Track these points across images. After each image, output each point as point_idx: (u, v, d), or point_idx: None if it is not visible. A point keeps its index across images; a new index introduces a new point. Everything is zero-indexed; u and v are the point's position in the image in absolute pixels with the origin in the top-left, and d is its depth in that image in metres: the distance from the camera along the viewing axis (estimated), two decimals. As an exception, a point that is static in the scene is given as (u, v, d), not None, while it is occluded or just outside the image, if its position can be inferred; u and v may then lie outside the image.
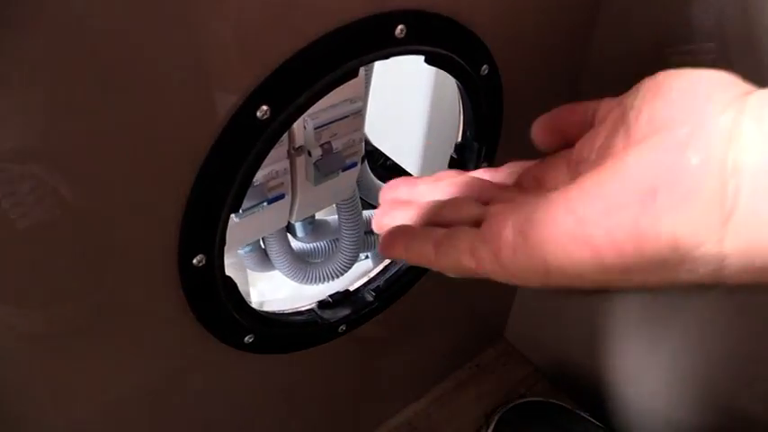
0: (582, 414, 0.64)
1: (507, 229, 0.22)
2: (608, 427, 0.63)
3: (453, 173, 0.31)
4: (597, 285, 0.21)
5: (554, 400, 0.65)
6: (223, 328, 0.39)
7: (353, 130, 0.48)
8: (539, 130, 0.28)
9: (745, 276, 0.18)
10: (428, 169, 0.69)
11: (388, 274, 0.49)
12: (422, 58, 0.38)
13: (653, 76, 0.22)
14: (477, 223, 0.25)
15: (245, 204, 0.45)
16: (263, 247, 0.62)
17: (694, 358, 0.56)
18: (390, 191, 0.30)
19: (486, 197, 0.28)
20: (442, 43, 0.37)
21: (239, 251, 0.60)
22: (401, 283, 0.50)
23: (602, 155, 0.23)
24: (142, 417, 0.42)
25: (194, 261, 0.34)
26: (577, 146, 0.26)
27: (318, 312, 0.47)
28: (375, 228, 0.29)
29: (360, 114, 0.47)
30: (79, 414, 0.37)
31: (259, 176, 0.45)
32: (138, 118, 0.28)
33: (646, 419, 0.64)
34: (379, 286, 0.49)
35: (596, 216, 0.19)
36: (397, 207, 0.29)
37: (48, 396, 0.35)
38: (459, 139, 0.47)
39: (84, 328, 0.34)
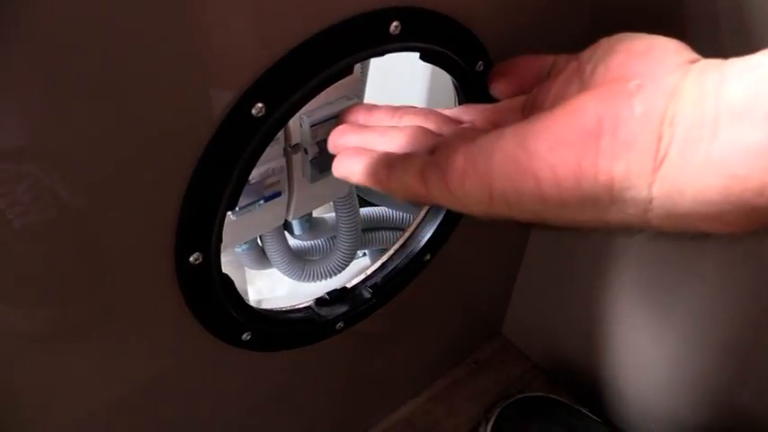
0: (581, 409, 0.64)
1: (458, 156, 0.23)
2: (606, 423, 0.64)
3: (412, 107, 0.32)
4: (533, 217, 0.22)
5: (553, 396, 0.65)
6: (220, 326, 0.39)
7: (350, 127, 0.48)
8: (497, 77, 0.29)
9: (668, 222, 0.20)
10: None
11: (385, 271, 0.50)
12: (415, 56, 0.38)
13: (611, 36, 0.24)
14: (430, 152, 0.26)
15: (242, 202, 0.45)
16: (260, 245, 0.62)
17: (693, 353, 0.57)
18: (348, 114, 0.31)
19: (441, 130, 0.29)
20: (437, 40, 0.37)
21: (236, 249, 0.60)
22: (399, 280, 0.50)
23: (556, 100, 0.24)
24: (140, 415, 0.42)
25: (191, 259, 0.34)
26: (533, 92, 0.27)
27: (316, 310, 0.47)
28: (330, 147, 0.30)
29: (356, 112, 0.47)
30: (77, 414, 0.37)
31: (255, 175, 0.45)
32: (133, 116, 0.28)
33: (644, 414, 0.64)
34: (376, 283, 0.49)
35: (543, 151, 0.21)
36: (353, 130, 0.30)
37: (45, 396, 0.35)
38: (456, 136, 0.47)
39: (82, 328, 0.34)
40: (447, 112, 0.31)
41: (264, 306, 0.44)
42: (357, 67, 0.44)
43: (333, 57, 0.33)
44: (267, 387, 0.49)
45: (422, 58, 0.38)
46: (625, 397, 0.65)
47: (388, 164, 0.26)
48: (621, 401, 0.65)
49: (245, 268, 0.68)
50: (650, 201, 0.20)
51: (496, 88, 0.29)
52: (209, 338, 0.40)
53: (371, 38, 0.34)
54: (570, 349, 0.69)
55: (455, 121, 0.30)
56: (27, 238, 0.28)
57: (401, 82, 0.65)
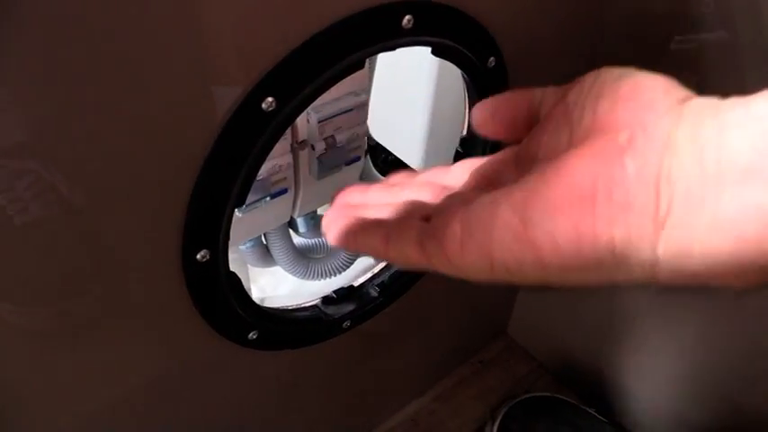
0: (587, 410, 0.63)
1: (455, 225, 0.22)
2: (612, 423, 0.63)
3: (404, 174, 0.31)
4: (538, 282, 0.22)
5: (560, 396, 0.64)
6: (227, 325, 0.39)
7: (357, 123, 0.47)
8: (482, 115, 0.28)
9: (678, 279, 0.19)
10: (431, 164, 0.68)
11: (392, 270, 0.49)
12: (424, 52, 0.37)
13: (597, 73, 0.23)
14: (426, 219, 0.25)
15: (249, 199, 0.44)
16: (264, 242, 0.61)
17: (701, 353, 0.56)
18: (343, 196, 0.30)
19: (436, 199, 0.28)
20: (449, 34, 0.37)
21: (241, 247, 0.59)
22: (406, 279, 0.49)
23: (547, 154, 0.23)
24: (145, 412, 0.41)
25: (198, 256, 0.34)
26: (525, 142, 0.26)
27: (323, 308, 0.46)
28: (323, 228, 0.29)
29: (364, 107, 0.47)
30: (83, 410, 0.37)
31: (262, 171, 0.44)
32: (140, 111, 0.28)
33: (650, 414, 0.64)
34: (383, 282, 0.48)
35: (538, 218, 0.20)
36: (347, 210, 0.29)
37: (49, 395, 0.35)
38: (465, 133, 0.46)
39: (86, 325, 0.33)
40: (443, 172, 0.30)
41: (268, 304, 0.43)
42: (366, 62, 0.44)
43: (344, 50, 0.32)
44: (272, 386, 0.49)
45: (433, 52, 0.37)
46: (631, 396, 0.64)
47: (385, 234, 0.25)
48: (628, 401, 0.64)
49: (249, 266, 0.67)
50: (656, 261, 0.19)
51: (483, 128, 0.27)
52: (215, 337, 0.39)
53: (384, 31, 0.33)
54: (576, 349, 0.68)
55: (450, 188, 0.29)
56: (28, 236, 0.28)
57: (408, 79, 0.64)
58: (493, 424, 0.62)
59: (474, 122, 0.28)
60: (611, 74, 0.22)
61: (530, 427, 0.61)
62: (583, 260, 0.20)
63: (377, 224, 0.26)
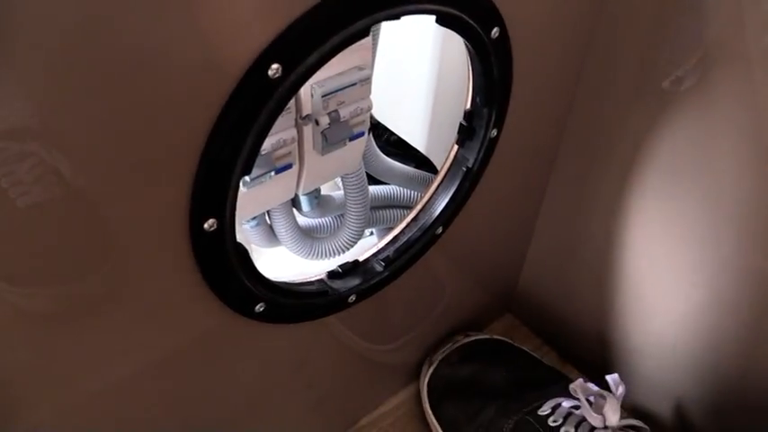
0: (531, 353, 0.65)
1: None
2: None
3: None
4: None
5: (498, 337, 0.66)
6: (234, 296, 0.39)
7: (361, 98, 0.47)
8: None
9: None
10: (434, 143, 0.68)
11: (397, 244, 0.49)
12: (426, 30, 0.37)
13: None
14: None
15: (253, 173, 0.44)
16: (268, 222, 0.62)
17: (708, 331, 0.56)
18: None
19: None
20: (454, 3, 0.37)
21: (245, 225, 0.59)
22: (411, 254, 0.49)
23: None
24: (153, 388, 0.41)
25: (206, 226, 0.34)
26: None
27: (328, 282, 0.46)
28: None
29: (368, 82, 0.47)
30: (91, 388, 0.37)
31: (266, 145, 0.44)
32: (146, 80, 0.28)
33: (654, 392, 0.64)
34: (388, 256, 0.48)
35: None
36: None
37: (56, 374, 0.35)
38: (469, 106, 0.46)
39: (94, 302, 0.33)
40: None
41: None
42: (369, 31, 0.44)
43: (350, 17, 0.32)
44: (279, 359, 0.49)
45: (438, 21, 0.37)
46: (637, 373, 0.64)
47: None
48: (633, 377, 0.65)
49: (252, 247, 0.67)
50: None
51: None
52: (222, 309, 0.39)
53: (389, -2, 0.33)
54: (580, 326, 0.68)
55: None
56: (34, 217, 0.28)
57: (410, 58, 0.64)
58: (429, 367, 0.63)
59: None
60: None
61: (459, 369, 0.62)
62: None
63: None
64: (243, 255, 0.37)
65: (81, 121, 0.27)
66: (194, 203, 0.33)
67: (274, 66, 0.31)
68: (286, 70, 0.31)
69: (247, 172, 0.34)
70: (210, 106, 0.31)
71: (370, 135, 0.62)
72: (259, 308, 0.41)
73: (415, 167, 0.70)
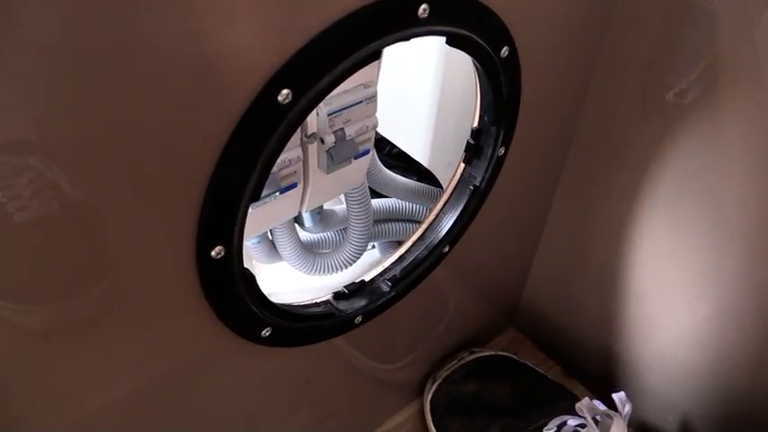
0: (534, 368, 0.64)
1: None
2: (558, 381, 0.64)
3: None
4: None
5: (503, 353, 0.65)
6: (241, 322, 0.38)
7: (367, 116, 0.47)
8: None
9: None
10: (436, 156, 0.68)
11: (404, 263, 0.48)
12: (431, 42, 0.36)
13: None
14: None
15: (258, 194, 0.43)
16: (270, 238, 0.61)
17: (711, 345, 0.56)
18: None
19: None
20: (464, 24, 0.36)
21: (247, 243, 0.58)
22: (417, 273, 0.49)
23: None
24: (156, 410, 0.40)
25: (213, 253, 0.33)
26: None
27: (334, 304, 0.45)
28: None
29: (373, 100, 0.46)
30: (92, 407, 0.36)
31: (272, 165, 0.43)
32: (153, 103, 0.27)
33: (660, 407, 0.64)
34: (395, 275, 0.48)
35: None
36: None
37: (56, 392, 0.34)
38: (476, 125, 0.45)
39: (95, 323, 0.32)
40: None
41: (273, 300, 0.42)
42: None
43: (360, 41, 0.32)
44: (284, 383, 0.48)
45: (448, 42, 0.37)
46: (642, 387, 0.64)
47: None
48: (638, 392, 0.64)
49: (254, 263, 0.66)
50: None
51: None
52: (228, 335, 0.38)
53: (400, 21, 0.33)
54: (585, 340, 0.68)
55: None
56: (32, 232, 0.27)
57: (413, 70, 0.64)
58: (432, 384, 0.62)
59: None
60: None
61: (463, 386, 0.61)
62: None
63: None
64: (250, 280, 0.37)
65: (83, 137, 0.26)
66: (201, 231, 0.32)
67: (284, 91, 0.30)
68: (296, 95, 0.31)
69: (256, 198, 0.33)
70: (219, 132, 0.30)
71: (374, 148, 0.61)
72: (265, 332, 0.40)
73: (417, 180, 0.70)
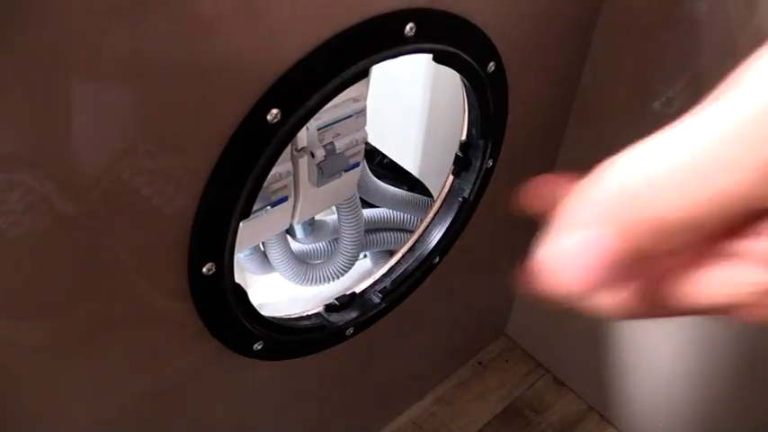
0: None
1: None
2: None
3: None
4: None
5: None
6: (232, 337, 0.38)
7: (356, 129, 0.47)
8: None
9: None
10: (427, 166, 0.68)
11: (394, 275, 0.49)
12: (420, 57, 0.37)
13: None
14: None
15: (249, 208, 0.44)
16: (262, 249, 0.61)
17: (704, 354, 0.56)
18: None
19: None
20: (451, 41, 0.37)
21: (239, 255, 0.59)
22: (408, 284, 0.49)
23: None
24: (148, 424, 0.41)
25: (204, 270, 0.33)
26: None
27: (326, 316, 0.46)
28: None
29: (363, 114, 0.47)
30: (84, 422, 0.36)
31: (262, 179, 0.44)
32: (144, 123, 0.27)
33: (651, 412, 0.64)
34: (385, 287, 0.48)
35: None
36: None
37: (47, 409, 0.34)
38: (464, 138, 0.46)
39: (87, 340, 0.33)
40: None
41: (265, 312, 0.43)
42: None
43: (348, 60, 0.32)
44: (276, 394, 0.49)
45: (435, 59, 0.37)
46: (630, 395, 0.64)
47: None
48: (626, 400, 0.65)
49: (246, 273, 0.67)
50: None
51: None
52: (220, 349, 0.39)
53: (387, 40, 0.33)
54: (575, 347, 0.68)
55: None
56: (24, 248, 0.27)
57: (402, 83, 0.64)
58: None
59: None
60: None
61: None
62: None
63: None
64: (241, 295, 0.37)
65: (74, 155, 0.26)
66: (193, 248, 0.32)
67: (274, 111, 0.31)
68: (285, 115, 0.31)
69: (246, 215, 0.33)
70: (209, 152, 0.30)
71: (364, 160, 0.62)
72: (257, 346, 0.40)
73: (408, 190, 0.70)
